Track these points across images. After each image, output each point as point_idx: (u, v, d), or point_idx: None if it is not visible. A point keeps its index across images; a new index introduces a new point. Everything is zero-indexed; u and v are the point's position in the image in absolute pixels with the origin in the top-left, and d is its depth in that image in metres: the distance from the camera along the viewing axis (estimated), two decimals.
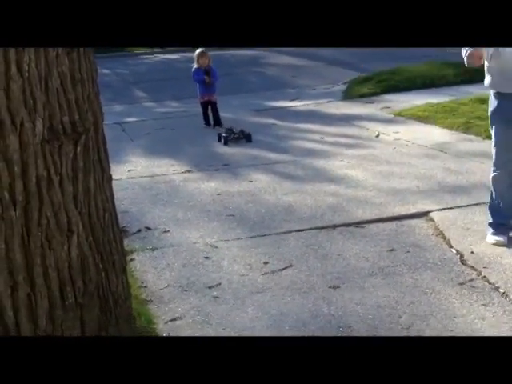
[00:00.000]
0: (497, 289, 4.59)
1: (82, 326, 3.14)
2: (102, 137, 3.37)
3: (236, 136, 9.57)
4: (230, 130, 9.70)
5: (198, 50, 10.87)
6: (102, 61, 17.10)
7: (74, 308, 3.12)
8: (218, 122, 10.82)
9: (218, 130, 10.14)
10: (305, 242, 5.64)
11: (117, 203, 6.40)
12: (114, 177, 7.25)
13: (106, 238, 3.30)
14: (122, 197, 7.07)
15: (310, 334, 4.13)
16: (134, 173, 8.20)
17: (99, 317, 3.22)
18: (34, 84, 3.00)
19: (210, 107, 10.89)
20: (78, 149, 3.15)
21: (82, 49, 3.19)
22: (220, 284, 4.91)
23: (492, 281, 4.71)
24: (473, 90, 11.93)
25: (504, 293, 4.52)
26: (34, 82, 3.00)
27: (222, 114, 10.92)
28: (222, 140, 9.52)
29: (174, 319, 4.42)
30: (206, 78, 10.66)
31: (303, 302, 4.58)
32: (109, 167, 3.42)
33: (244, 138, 9.59)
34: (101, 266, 3.23)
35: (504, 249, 5.21)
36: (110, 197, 3.41)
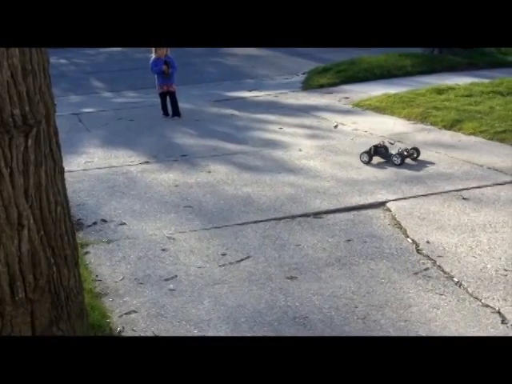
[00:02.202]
0: (451, 278, 4.63)
1: (32, 322, 3.09)
2: (53, 129, 3.30)
3: (407, 153, 7.58)
4: (382, 147, 7.68)
5: None
6: (59, 51, 16.98)
7: (25, 303, 3.07)
8: (176, 112, 10.78)
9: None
10: (263, 232, 5.64)
11: (73, 195, 6.42)
12: (70, 168, 7.25)
13: (58, 231, 3.24)
14: (79, 189, 7.02)
15: (266, 326, 4.13)
16: (90, 164, 8.13)
17: (50, 312, 3.17)
18: None
19: (168, 97, 10.83)
20: (29, 141, 3.09)
21: None
22: (176, 276, 4.88)
23: (447, 270, 4.76)
24: (430, 81, 12.07)
25: (458, 282, 4.57)
26: None
27: (181, 105, 10.89)
28: (398, 159, 7.42)
29: (128, 312, 4.38)
30: (164, 67, 10.57)
31: (260, 293, 4.58)
32: (61, 159, 3.36)
33: (413, 153, 7.64)
34: (52, 260, 3.18)
35: (459, 238, 5.27)
36: (63, 190, 3.35)
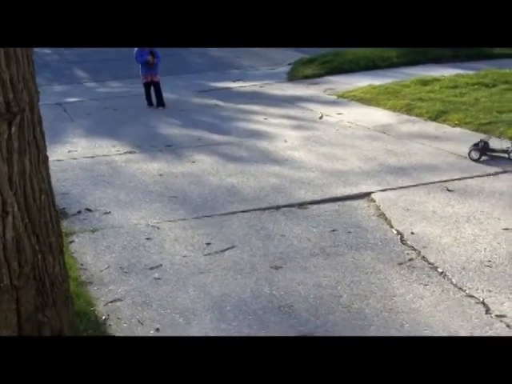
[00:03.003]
0: (435, 268, 4.65)
1: (18, 308, 3.08)
2: (37, 116, 3.28)
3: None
4: (485, 143, 7.11)
5: None
6: None
7: (10, 290, 3.05)
8: (160, 102, 10.74)
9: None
10: (248, 222, 5.63)
11: (57, 184, 6.38)
12: (54, 158, 7.22)
13: (43, 219, 3.22)
14: (63, 178, 6.99)
15: (252, 314, 4.13)
16: (74, 154, 8.09)
17: (36, 299, 3.16)
18: None
19: (152, 88, 10.79)
20: (13, 129, 3.06)
21: None
22: (161, 265, 4.87)
23: (431, 260, 4.77)
24: (415, 72, 12.09)
25: (442, 272, 4.58)
26: None
27: (166, 95, 10.85)
28: None
29: (113, 301, 4.37)
30: (149, 57, 10.51)
31: (245, 282, 4.58)
32: (45, 147, 3.34)
33: None
34: (37, 247, 3.17)
35: (443, 229, 5.28)
36: (47, 177, 3.33)
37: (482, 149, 7.06)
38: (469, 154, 7.10)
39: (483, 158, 7.03)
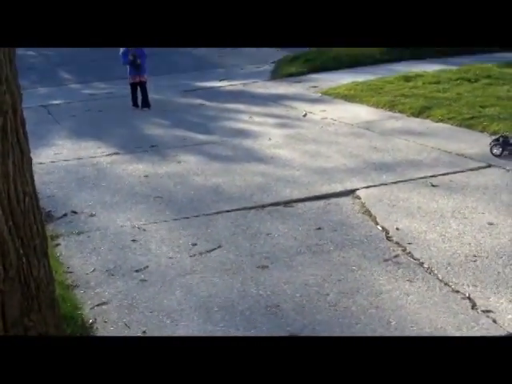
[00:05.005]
0: (421, 264, 4.67)
1: (3, 312, 3.06)
2: (20, 119, 3.27)
3: None
4: (505, 138, 7.05)
5: None
6: None
7: None
8: (146, 103, 10.71)
9: None
10: (234, 222, 5.63)
11: (42, 187, 6.38)
12: (39, 160, 7.22)
13: (27, 222, 3.21)
14: (48, 180, 6.98)
15: (239, 315, 4.13)
16: (60, 156, 8.07)
17: (21, 303, 3.14)
18: None
19: (139, 88, 10.74)
20: None
21: None
22: (147, 267, 4.86)
23: (417, 256, 4.79)
24: (398, 68, 12.15)
25: (428, 268, 4.60)
26: None
27: (150, 95, 10.84)
28: None
29: (100, 304, 4.36)
30: (130, 56, 10.42)
31: (232, 282, 4.57)
32: (28, 150, 3.33)
33: None
34: (21, 250, 3.15)
35: (428, 225, 5.30)
36: (31, 180, 3.32)
37: (503, 144, 7.00)
38: (490, 149, 7.02)
39: (504, 153, 6.95)
